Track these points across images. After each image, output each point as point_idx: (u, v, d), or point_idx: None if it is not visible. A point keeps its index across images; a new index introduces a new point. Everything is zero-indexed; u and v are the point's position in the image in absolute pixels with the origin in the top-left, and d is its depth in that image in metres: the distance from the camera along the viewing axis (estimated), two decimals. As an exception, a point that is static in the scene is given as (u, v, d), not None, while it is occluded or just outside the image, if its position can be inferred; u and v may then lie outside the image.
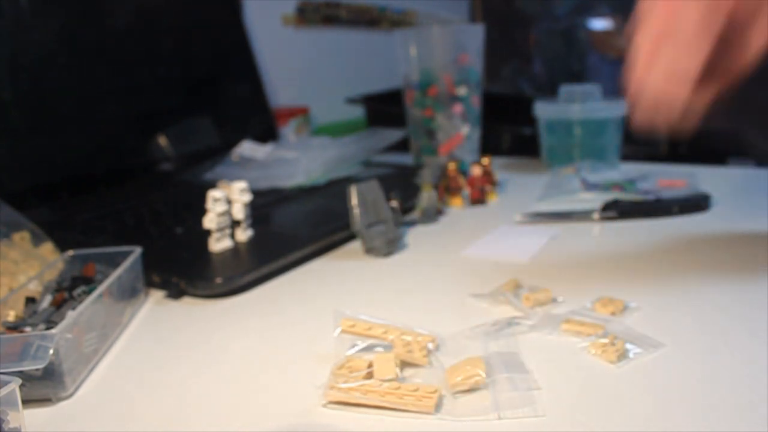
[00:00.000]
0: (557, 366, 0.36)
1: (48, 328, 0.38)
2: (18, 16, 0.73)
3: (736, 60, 0.38)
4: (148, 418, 0.34)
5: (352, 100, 1.15)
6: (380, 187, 0.60)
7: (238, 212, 0.58)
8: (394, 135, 0.88)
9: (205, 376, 0.38)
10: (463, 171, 0.74)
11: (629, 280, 0.48)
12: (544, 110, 0.87)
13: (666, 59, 0.37)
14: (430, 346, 0.38)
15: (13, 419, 0.31)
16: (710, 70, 0.37)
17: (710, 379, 0.34)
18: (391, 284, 0.51)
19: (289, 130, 1.05)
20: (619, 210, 0.64)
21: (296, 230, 0.64)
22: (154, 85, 0.88)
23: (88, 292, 0.43)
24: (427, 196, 0.67)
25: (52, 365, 0.35)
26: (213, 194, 0.56)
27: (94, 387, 0.38)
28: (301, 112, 1.09)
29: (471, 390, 0.34)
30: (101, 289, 0.42)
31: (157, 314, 0.49)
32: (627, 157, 0.89)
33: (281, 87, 1.14)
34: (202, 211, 0.56)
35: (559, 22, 1.40)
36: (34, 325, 0.41)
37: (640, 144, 1.02)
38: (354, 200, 0.57)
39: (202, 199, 0.56)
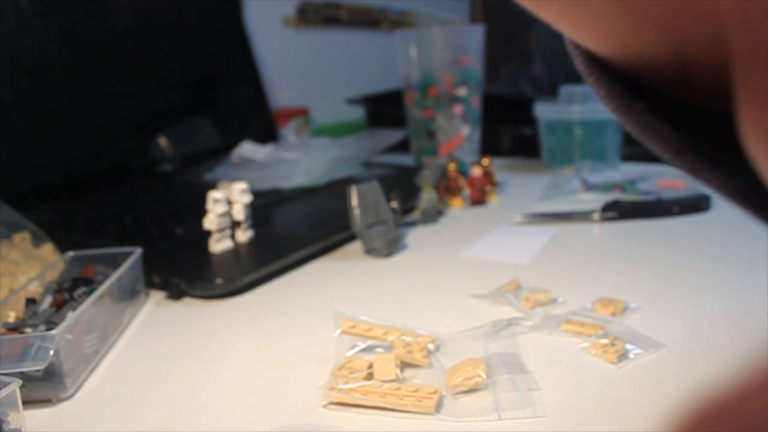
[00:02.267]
0: (558, 367, 0.36)
1: (48, 329, 0.38)
2: (18, 17, 0.73)
3: None
4: (149, 418, 0.34)
5: (352, 101, 1.15)
6: (380, 188, 0.60)
7: (239, 213, 0.58)
8: (394, 136, 0.89)
9: (206, 376, 0.38)
10: (463, 171, 0.74)
11: (629, 280, 0.48)
12: (544, 111, 0.87)
13: None
14: (431, 346, 0.38)
15: (13, 420, 0.31)
16: None
17: (710, 379, 0.34)
18: (391, 285, 0.51)
19: (289, 131, 1.05)
20: (619, 210, 0.64)
21: (296, 231, 0.64)
22: (155, 86, 0.88)
23: (89, 293, 0.43)
24: (427, 197, 0.67)
25: (53, 366, 0.35)
26: (213, 195, 0.56)
27: (94, 388, 0.38)
28: (302, 113, 1.09)
29: (471, 391, 0.34)
30: (102, 290, 0.42)
31: (158, 315, 0.49)
32: (627, 157, 0.89)
33: (281, 88, 1.14)
34: (203, 212, 0.56)
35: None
36: (34, 326, 0.41)
37: (640, 144, 1.02)
38: (354, 201, 0.57)
39: (202, 200, 0.56)
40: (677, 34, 0.15)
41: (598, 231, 0.62)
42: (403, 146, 0.91)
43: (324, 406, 0.34)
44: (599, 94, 0.19)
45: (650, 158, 0.96)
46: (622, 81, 0.18)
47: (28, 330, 0.40)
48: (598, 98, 0.19)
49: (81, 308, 0.39)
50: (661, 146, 0.17)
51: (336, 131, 1.14)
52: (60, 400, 0.37)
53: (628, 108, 0.18)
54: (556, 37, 1.41)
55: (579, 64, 0.19)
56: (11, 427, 0.31)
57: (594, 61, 0.19)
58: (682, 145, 0.17)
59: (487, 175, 0.74)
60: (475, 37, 0.83)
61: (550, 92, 0.94)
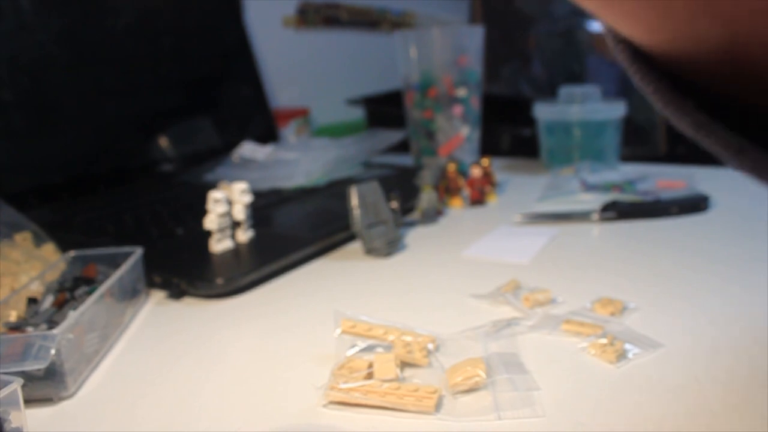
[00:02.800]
0: (557, 366, 0.36)
1: (49, 329, 0.38)
2: (19, 17, 0.73)
3: None
4: (149, 418, 0.34)
5: (352, 102, 1.16)
6: (380, 188, 0.60)
7: (239, 213, 0.58)
8: (394, 136, 0.89)
9: (206, 376, 0.39)
10: (462, 172, 0.74)
11: (628, 280, 0.48)
12: (543, 111, 0.87)
13: None
14: (430, 346, 0.38)
15: (15, 419, 0.31)
16: None
17: (709, 379, 0.34)
18: (391, 285, 0.51)
19: (289, 131, 1.06)
20: (618, 211, 0.64)
21: (297, 231, 0.64)
22: (155, 86, 0.88)
23: (90, 293, 0.44)
24: (427, 197, 0.67)
25: (54, 365, 0.36)
26: (213, 195, 0.56)
27: (95, 387, 0.38)
28: (302, 114, 1.09)
29: (471, 390, 0.34)
30: (102, 289, 0.42)
31: (158, 315, 0.49)
32: (626, 158, 0.90)
33: (282, 88, 1.14)
34: (203, 212, 0.56)
35: (558, 23, 1.41)
36: (35, 326, 0.41)
37: (639, 145, 1.02)
38: (354, 201, 0.58)
39: (202, 200, 0.57)
40: (733, 24, 0.14)
41: (597, 231, 0.62)
42: (402, 147, 0.91)
43: (324, 406, 0.34)
44: (647, 90, 0.18)
45: (649, 159, 0.96)
46: (669, 78, 0.17)
47: (30, 329, 0.41)
48: (646, 95, 0.18)
49: (82, 308, 0.39)
50: (719, 145, 0.16)
51: (336, 132, 1.14)
52: (61, 399, 0.37)
53: (680, 106, 0.17)
54: (556, 38, 1.41)
55: (623, 60, 0.18)
56: (13, 426, 0.31)
57: (639, 57, 0.18)
58: (743, 143, 0.16)
59: (487, 176, 0.74)
60: (474, 37, 0.84)
61: (549, 93, 0.94)
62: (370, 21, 1.35)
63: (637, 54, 0.18)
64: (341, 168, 0.81)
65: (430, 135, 0.86)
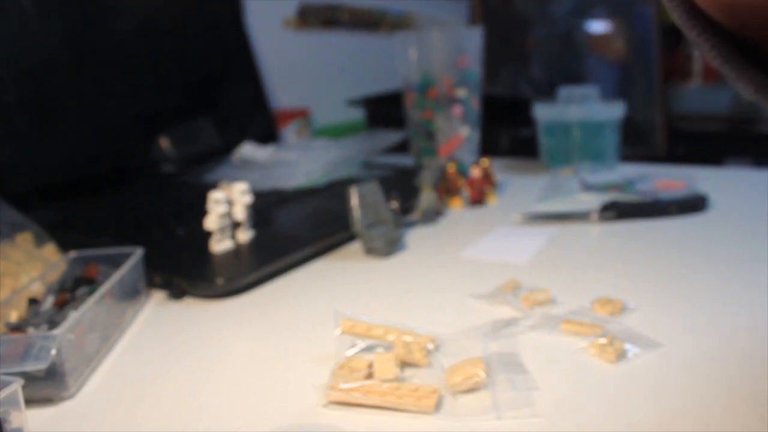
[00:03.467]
0: (556, 366, 0.36)
1: (50, 329, 0.38)
2: (21, 19, 0.74)
3: None
4: (150, 417, 0.35)
5: (352, 102, 1.16)
6: (380, 189, 0.60)
7: (239, 213, 0.58)
8: (394, 136, 0.89)
9: (206, 376, 0.39)
10: (462, 172, 0.75)
11: (628, 280, 0.48)
12: (542, 112, 0.88)
13: None
14: (430, 346, 0.38)
15: (15, 419, 0.31)
16: None
17: (707, 379, 0.34)
18: (391, 285, 0.52)
19: (289, 132, 1.06)
20: (617, 211, 0.64)
21: (297, 231, 0.65)
22: (156, 88, 0.88)
23: (90, 293, 0.44)
24: (426, 197, 0.67)
25: (55, 366, 0.36)
26: (214, 195, 0.56)
27: (95, 387, 0.38)
28: (302, 114, 1.09)
29: (470, 390, 0.34)
30: (103, 289, 0.42)
31: (159, 315, 0.49)
32: (625, 158, 0.90)
33: (282, 89, 1.14)
34: (204, 212, 0.56)
35: (557, 24, 1.41)
36: (36, 326, 0.41)
37: (638, 145, 1.02)
38: (354, 201, 0.58)
39: (203, 201, 0.57)
40: None
41: (596, 231, 0.62)
42: (402, 147, 0.91)
43: (324, 406, 0.34)
44: (704, 47, 0.18)
45: (648, 159, 0.96)
46: (724, 35, 0.17)
47: (31, 330, 0.41)
48: (703, 52, 0.18)
49: (83, 308, 0.39)
50: None
51: (336, 132, 1.15)
52: (62, 400, 0.37)
53: (739, 64, 0.17)
54: (555, 39, 1.41)
55: (678, 17, 0.18)
56: (13, 426, 0.31)
57: (695, 13, 0.18)
58: None
59: (486, 176, 0.74)
60: (473, 38, 0.84)
61: (548, 93, 0.95)
62: (369, 22, 1.35)
63: (693, 10, 0.18)
64: (341, 168, 0.82)
65: (430, 135, 0.86)
